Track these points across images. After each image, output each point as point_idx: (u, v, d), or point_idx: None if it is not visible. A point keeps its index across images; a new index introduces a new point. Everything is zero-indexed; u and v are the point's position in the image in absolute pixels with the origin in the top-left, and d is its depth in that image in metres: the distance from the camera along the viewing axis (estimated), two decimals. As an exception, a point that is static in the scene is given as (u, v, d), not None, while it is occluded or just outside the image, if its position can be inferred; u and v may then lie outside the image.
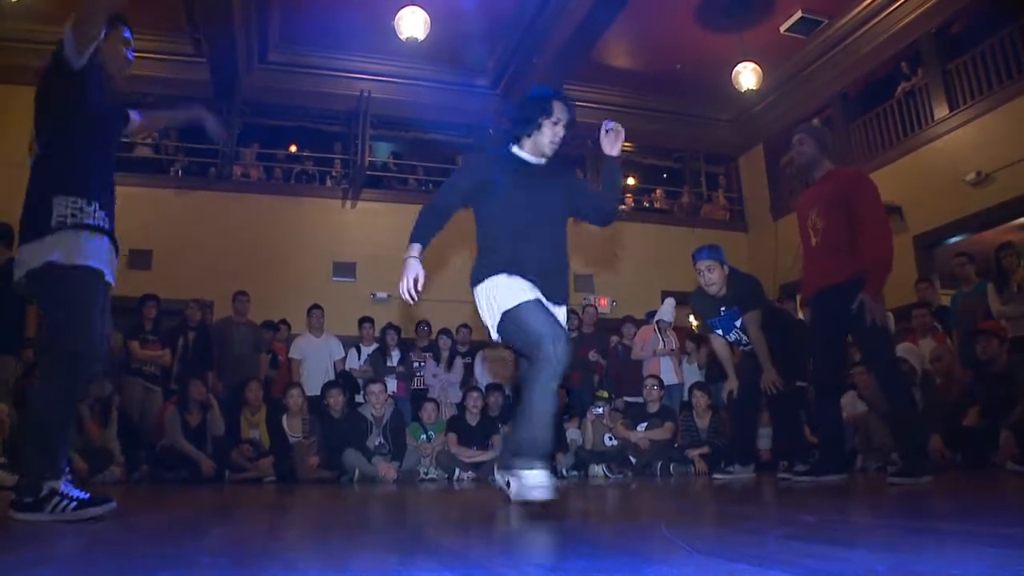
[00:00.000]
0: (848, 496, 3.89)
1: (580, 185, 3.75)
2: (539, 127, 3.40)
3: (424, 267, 3.28)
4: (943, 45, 9.95)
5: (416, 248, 3.30)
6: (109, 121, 3.11)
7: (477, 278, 3.34)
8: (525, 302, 3.12)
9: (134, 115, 3.31)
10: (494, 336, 3.31)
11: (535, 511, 2.88)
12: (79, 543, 2.22)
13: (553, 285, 3.34)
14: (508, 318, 3.15)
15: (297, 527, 2.93)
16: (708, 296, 5.78)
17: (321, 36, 10.79)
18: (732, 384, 6.19)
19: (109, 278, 2.91)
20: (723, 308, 5.75)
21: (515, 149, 3.49)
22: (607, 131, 3.58)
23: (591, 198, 3.68)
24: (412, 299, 3.22)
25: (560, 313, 3.38)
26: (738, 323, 5.73)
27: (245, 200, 10.91)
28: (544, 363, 2.98)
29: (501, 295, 3.19)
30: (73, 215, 2.76)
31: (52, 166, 2.85)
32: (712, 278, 5.64)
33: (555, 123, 3.39)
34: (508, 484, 3.09)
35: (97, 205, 2.86)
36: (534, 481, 2.92)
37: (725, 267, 5.68)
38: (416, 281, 3.22)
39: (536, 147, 3.44)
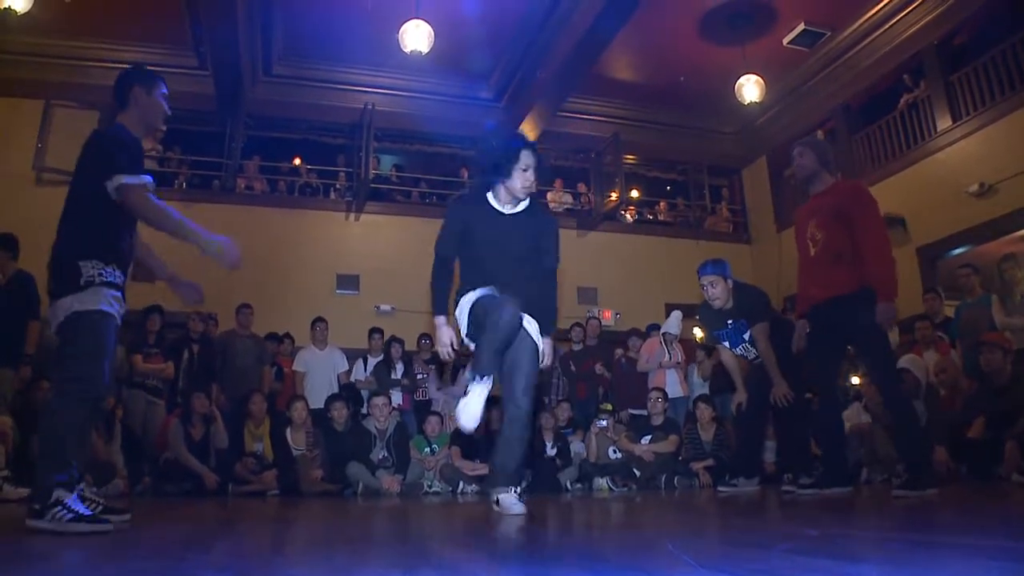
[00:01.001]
0: (853, 509, 3.88)
1: (546, 236, 3.90)
2: (509, 174, 3.64)
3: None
4: (946, 57, 9.97)
5: (441, 319, 3.76)
6: None
7: (457, 301, 3.75)
8: (477, 297, 3.58)
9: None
10: (466, 341, 3.74)
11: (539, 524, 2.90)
12: (84, 556, 2.24)
13: (527, 305, 3.59)
14: (468, 316, 3.62)
15: (301, 541, 2.93)
16: (715, 309, 5.76)
17: (325, 49, 10.82)
18: (741, 396, 6.15)
19: (118, 317, 3.20)
20: (730, 321, 5.74)
21: (489, 197, 3.78)
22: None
23: (547, 251, 3.89)
24: (451, 356, 3.76)
25: (533, 324, 3.69)
26: (746, 336, 5.70)
27: (249, 213, 10.92)
28: (491, 327, 3.36)
29: (465, 304, 3.65)
30: (100, 274, 3.09)
31: (79, 232, 3.16)
32: (715, 293, 5.63)
33: (524, 170, 3.63)
34: (497, 502, 3.55)
35: (115, 266, 3.18)
36: (506, 504, 3.45)
37: (729, 281, 5.66)
38: (452, 343, 3.73)
39: (508, 193, 3.71)
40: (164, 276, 3.76)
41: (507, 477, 3.60)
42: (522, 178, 3.65)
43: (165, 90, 3.45)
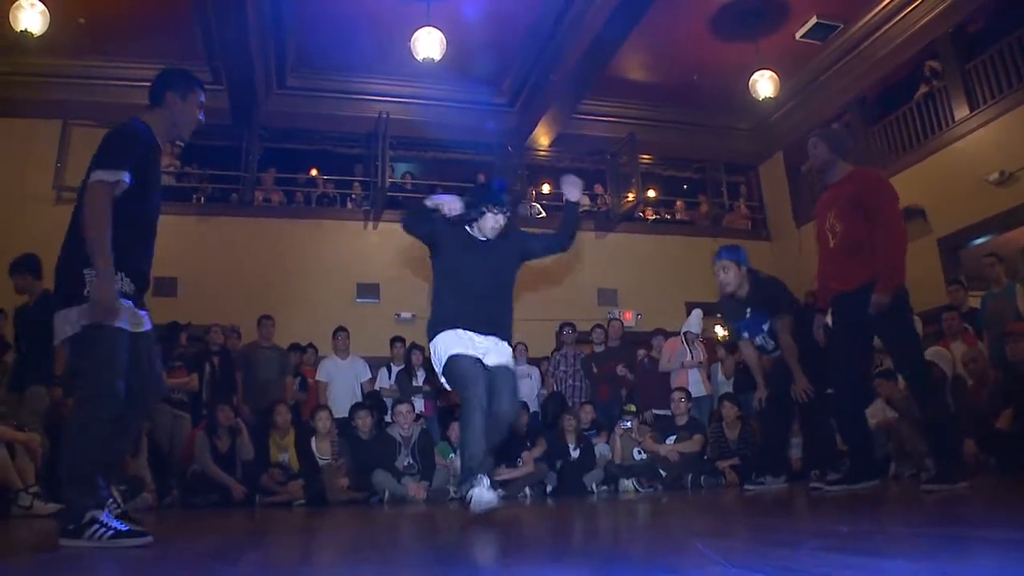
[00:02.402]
0: (882, 504, 3.86)
1: (525, 238, 4.45)
2: (483, 214, 4.06)
3: None
4: (960, 45, 9.88)
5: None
6: (143, 197, 3.19)
7: (430, 333, 4.07)
8: (457, 355, 3.87)
9: None
10: (442, 380, 4.08)
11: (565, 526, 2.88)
12: (117, 569, 2.27)
13: (484, 324, 4.05)
14: (447, 367, 3.92)
15: (331, 550, 2.95)
16: (732, 299, 5.69)
17: (337, 59, 10.85)
18: (761, 393, 6.06)
19: (130, 329, 3.07)
20: (748, 310, 5.66)
21: (467, 227, 4.16)
22: (567, 181, 4.37)
23: (542, 240, 4.49)
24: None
25: (497, 343, 4.07)
26: (765, 327, 5.62)
27: (267, 225, 10.97)
28: (465, 401, 3.79)
29: (442, 348, 3.96)
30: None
31: (83, 240, 3.00)
32: (727, 278, 5.54)
33: (496, 214, 4.06)
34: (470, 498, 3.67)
35: (124, 274, 3.05)
36: (478, 497, 3.57)
37: (743, 268, 5.58)
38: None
39: (480, 230, 4.10)
40: None
41: (470, 469, 3.75)
42: (493, 220, 4.07)
43: (203, 99, 3.41)
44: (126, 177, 3.01)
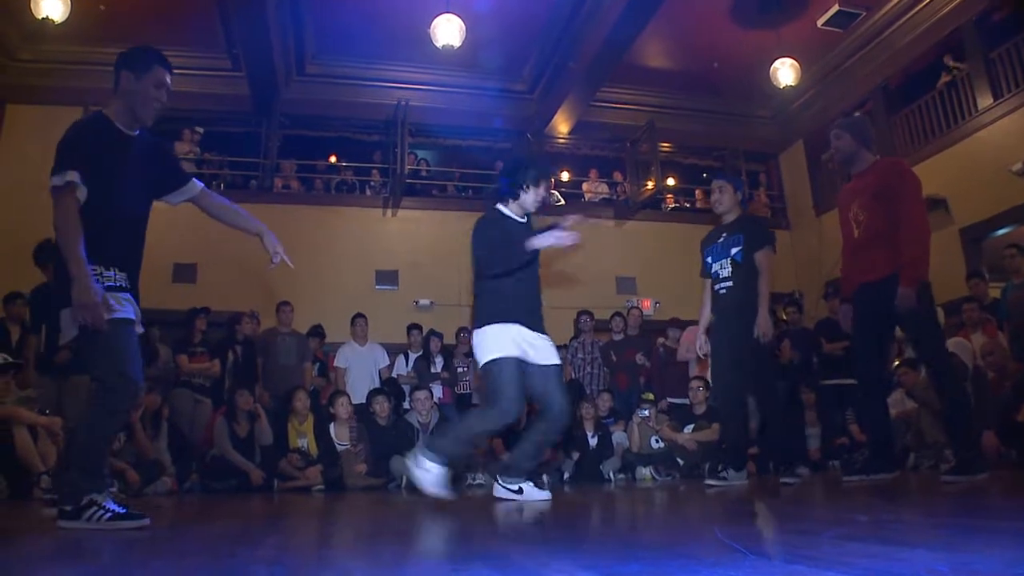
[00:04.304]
0: (902, 495, 3.83)
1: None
2: (538, 184, 4.12)
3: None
4: (984, 33, 9.74)
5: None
6: (111, 189, 3.08)
7: (478, 322, 4.04)
8: (503, 358, 3.88)
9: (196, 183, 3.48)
10: (480, 367, 4.08)
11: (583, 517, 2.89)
12: (135, 553, 2.28)
13: (536, 319, 4.08)
14: (488, 366, 3.92)
15: (349, 535, 2.96)
16: (716, 229, 5.51)
17: (357, 46, 10.86)
18: (703, 327, 5.55)
19: (134, 319, 3.12)
20: (724, 235, 5.36)
21: (501, 208, 4.19)
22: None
23: None
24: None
25: (545, 341, 4.10)
26: (733, 251, 5.23)
27: (287, 212, 10.94)
28: (495, 410, 3.84)
29: (490, 344, 3.94)
30: (97, 280, 2.92)
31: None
32: (720, 198, 5.42)
33: (547, 183, 4.18)
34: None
35: (116, 270, 3.06)
36: (428, 478, 3.81)
37: (738, 194, 5.43)
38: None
39: (527, 205, 4.15)
40: (255, 230, 3.51)
41: (442, 452, 3.90)
42: (535, 194, 4.14)
43: (163, 76, 3.16)
44: (75, 177, 2.90)
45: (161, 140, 3.47)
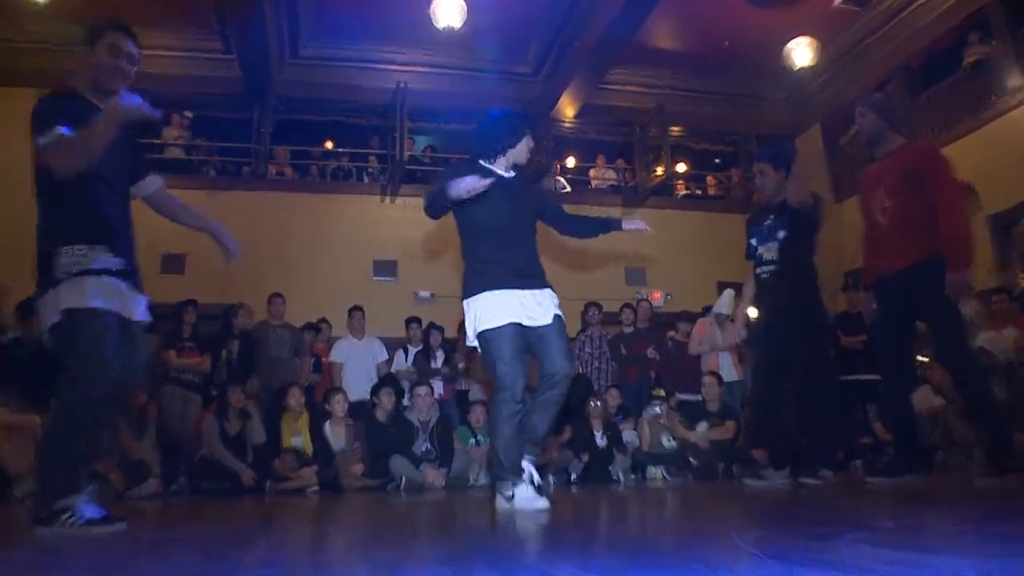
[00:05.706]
0: (927, 497, 3.75)
1: (541, 194, 4.46)
2: (519, 140, 3.84)
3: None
4: (1013, 10, 9.36)
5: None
6: (108, 163, 3.04)
7: (466, 292, 3.75)
8: (499, 327, 3.58)
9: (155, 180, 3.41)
10: (472, 343, 3.78)
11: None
12: (124, 556, 2.30)
13: (530, 277, 3.75)
14: (483, 337, 3.64)
15: (345, 538, 2.92)
16: (762, 208, 5.26)
17: (354, 28, 10.58)
18: (743, 313, 5.48)
19: (119, 310, 3.01)
20: (771, 217, 5.03)
21: (484, 163, 3.86)
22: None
23: (554, 209, 4.11)
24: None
25: (542, 296, 3.74)
26: (780, 235, 4.94)
27: (281, 199, 10.75)
28: (499, 389, 3.57)
29: (483, 314, 3.64)
30: (77, 263, 2.91)
31: (49, 217, 3.00)
32: (763, 182, 5.13)
33: (528, 135, 3.89)
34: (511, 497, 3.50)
35: (107, 247, 2.99)
36: (523, 499, 3.43)
37: (781, 171, 5.01)
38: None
39: (510, 161, 3.87)
40: (200, 226, 3.50)
41: (500, 466, 3.58)
42: (526, 147, 3.87)
43: (117, 40, 3.11)
44: (62, 129, 2.84)
45: (133, 131, 3.30)
